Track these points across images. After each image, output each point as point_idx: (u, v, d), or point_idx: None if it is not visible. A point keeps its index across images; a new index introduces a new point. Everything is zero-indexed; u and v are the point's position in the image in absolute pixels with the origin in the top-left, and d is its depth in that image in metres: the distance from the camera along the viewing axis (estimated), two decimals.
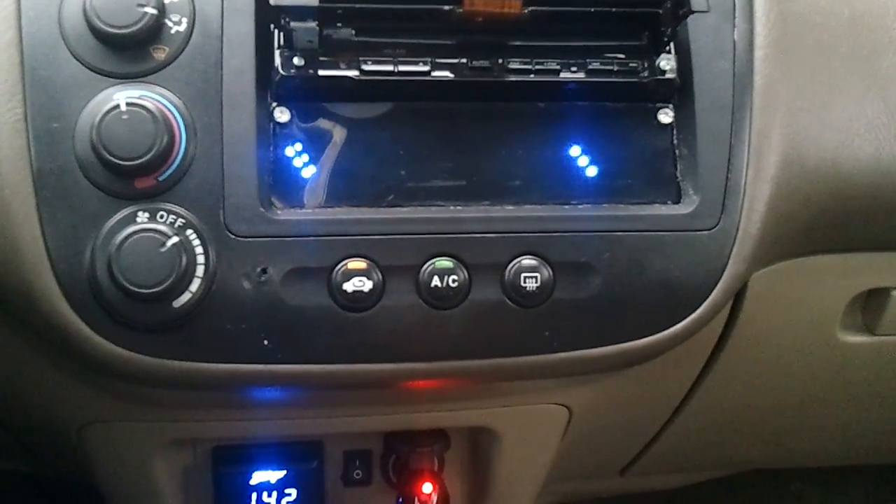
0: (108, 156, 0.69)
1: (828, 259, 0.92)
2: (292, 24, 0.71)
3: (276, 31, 0.74)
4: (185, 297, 0.71)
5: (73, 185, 0.70)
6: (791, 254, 0.89)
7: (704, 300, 0.79)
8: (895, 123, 0.86)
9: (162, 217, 0.71)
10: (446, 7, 0.74)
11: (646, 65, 0.79)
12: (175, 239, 0.70)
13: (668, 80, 0.79)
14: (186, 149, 0.71)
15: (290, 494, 0.98)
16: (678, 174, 0.80)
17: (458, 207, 0.76)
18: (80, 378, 0.85)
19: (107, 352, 0.72)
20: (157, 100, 0.71)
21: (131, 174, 0.70)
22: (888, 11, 0.89)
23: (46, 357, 0.83)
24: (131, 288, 0.69)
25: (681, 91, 0.80)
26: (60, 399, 0.88)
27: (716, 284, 0.79)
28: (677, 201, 0.80)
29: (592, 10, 0.77)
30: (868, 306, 1.00)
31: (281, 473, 0.98)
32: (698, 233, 0.78)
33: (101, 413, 0.89)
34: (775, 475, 1.71)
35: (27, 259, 0.70)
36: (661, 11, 0.77)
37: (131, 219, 0.70)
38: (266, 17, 0.74)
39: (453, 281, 0.74)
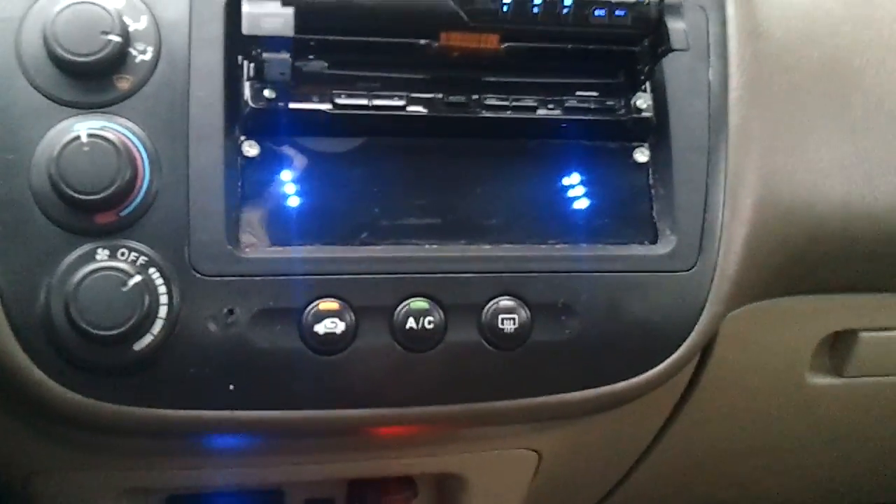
0: (67, 189, 0.65)
1: (797, 300, 0.92)
2: (264, 55, 0.69)
3: (246, 63, 0.72)
4: (147, 339, 0.67)
5: (28, 220, 0.66)
6: (763, 295, 0.88)
7: (682, 342, 0.78)
8: (865, 166, 0.86)
9: (123, 254, 0.67)
10: (422, 42, 0.73)
11: (622, 103, 0.79)
12: (137, 278, 0.66)
13: (645, 118, 0.79)
14: (150, 183, 0.68)
15: None
16: (654, 214, 0.79)
17: (434, 246, 0.74)
18: (27, 424, 0.80)
19: (61, 397, 0.68)
20: (119, 131, 0.67)
21: (91, 209, 0.66)
22: (856, 54, 0.89)
23: None
24: (90, 330, 0.65)
25: (657, 130, 0.80)
26: (5, 446, 0.83)
27: (693, 326, 0.78)
28: (654, 241, 0.79)
29: (569, 47, 0.76)
30: (836, 348, 1.00)
31: None
32: (676, 274, 0.77)
33: (49, 461, 0.84)
34: None
35: None
36: (637, 49, 0.77)
37: (91, 256, 0.66)
38: (236, 48, 0.71)
39: (429, 322, 0.72)
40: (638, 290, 0.76)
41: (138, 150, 0.68)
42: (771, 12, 0.86)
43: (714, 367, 0.93)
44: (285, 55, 0.69)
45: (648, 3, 0.73)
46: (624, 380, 0.78)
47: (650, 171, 0.80)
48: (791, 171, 0.83)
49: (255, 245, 0.71)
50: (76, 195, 0.65)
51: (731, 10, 0.83)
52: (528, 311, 0.74)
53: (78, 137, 0.65)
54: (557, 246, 0.76)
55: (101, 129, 0.66)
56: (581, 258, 0.76)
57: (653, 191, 0.80)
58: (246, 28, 0.66)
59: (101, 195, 0.65)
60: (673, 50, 0.74)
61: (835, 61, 0.88)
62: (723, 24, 0.82)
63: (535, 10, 0.71)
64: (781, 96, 0.84)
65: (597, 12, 0.73)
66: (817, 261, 0.87)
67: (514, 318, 0.73)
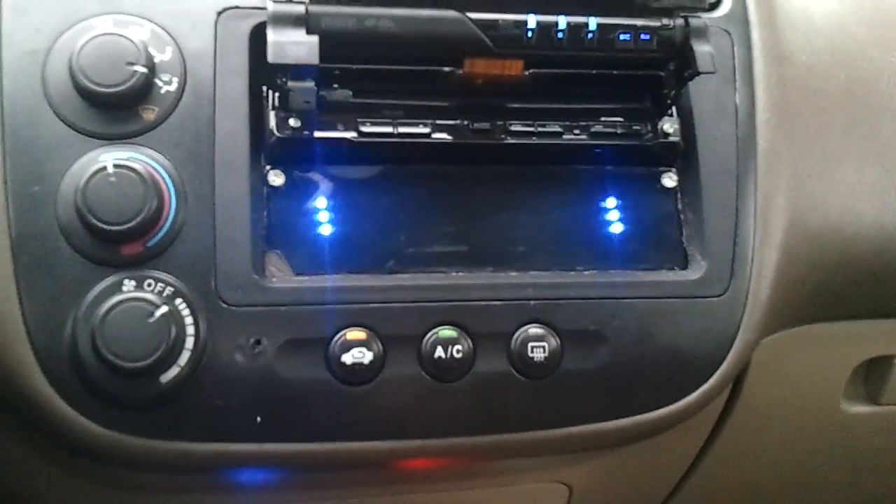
0: (93, 220, 0.65)
1: (830, 327, 0.90)
2: (289, 83, 0.69)
3: (271, 92, 0.72)
4: (174, 371, 0.66)
5: (55, 252, 0.66)
6: (795, 322, 0.87)
7: (716, 369, 0.76)
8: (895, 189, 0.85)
9: (150, 285, 0.66)
10: (446, 69, 0.73)
11: (649, 127, 0.78)
12: (164, 309, 0.65)
13: (673, 143, 0.78)
14: (176, 213, 0.68)
15: None
16: (684, 239, 0.78)
17: (461, 274, 0.73)
18: (53, 460, 0.79)
19: (86, 431, 0.67)
20: (146, 162, 0.67)
21: (117, 240, 0.66)
22: (882, 76, 0.88)
23: (17, 436, 0.78)
24: (116, 362, 0.64)
25: (684, 155, 0.79)
26: (33, 483, 0.82)
27: (727, 353, 0.76)
28: (684, 267, 0.77)
29: (594, 72, 0.75)
30: (871, 375, 0.98)
31: None
32: (708, 299, 0.76)
33: (76, 499, 0.83)
34: None
35: (2, 330, 0.65)
36: (663, 73, 0.76)
37: (117, 287, 0.66)
38: (261, 77, 0.71)
39: (457, 351, 0.70)
40: (669, 316, 0.75)
41: (164, 181, 0.67)
42: (795, 36, 0.86)
43: (746, 395, 0.91)
44: (310, 84, 0.68)
45: (674, 27, 0.73)
46: (657, 409, 0.76)
47: (679, 196, 0.79)
48: (821, 195, 0.82)
49: (282, 275, 0.71)
50: (102, 226, 0.65)
51: (755, 33, 0.82)
52: (557, 339, 0.72)
53: (104, 168, 0.65)
54: (586, 272, 0.75)
55: (128, 159, 0.66)
56: (610, 284, 0.75)
57: (682, 216, 0.79)
58: (272, 56, 0.66)
59: (128, 226, 0.65)
60: (699, 73, 0.73)
61: (861, 84, 0.87)
62: (748, 47, 0.81)
63: (560, 35, 0.71)
64: (809, 119, 0.83)
65: (622, 37, 0.72)
66: (850, 285, 0.85)
67: (543, 346, 0.72)
